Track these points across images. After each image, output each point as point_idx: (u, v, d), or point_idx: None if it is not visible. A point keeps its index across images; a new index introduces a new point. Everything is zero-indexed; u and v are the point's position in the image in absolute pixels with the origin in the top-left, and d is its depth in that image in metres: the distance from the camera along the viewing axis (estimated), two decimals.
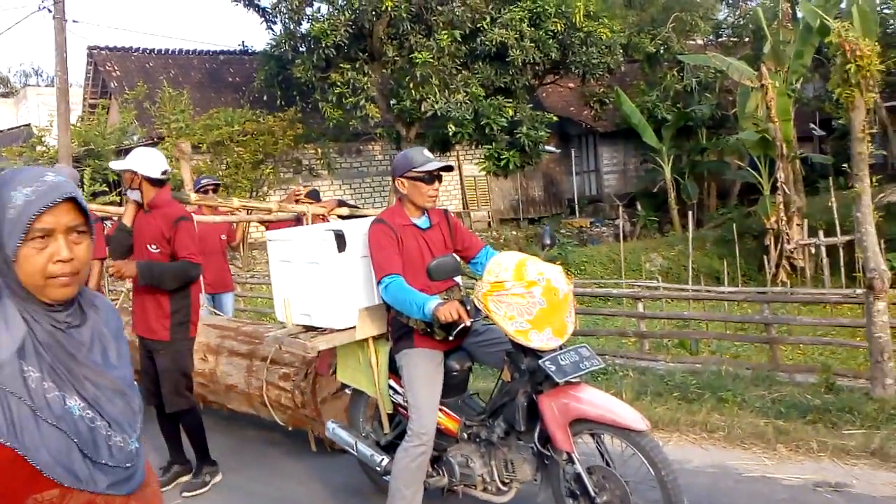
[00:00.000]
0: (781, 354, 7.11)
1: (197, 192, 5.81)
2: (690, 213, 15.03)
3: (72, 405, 1.29)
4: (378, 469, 3.49)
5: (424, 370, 3.18)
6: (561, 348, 2.91)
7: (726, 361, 6.87)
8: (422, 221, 3.29)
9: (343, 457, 4.07)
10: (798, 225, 13.17)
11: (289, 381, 4.32)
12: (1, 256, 1.29)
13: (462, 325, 2.92)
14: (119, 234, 4.18)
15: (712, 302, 10.10)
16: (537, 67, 15.00)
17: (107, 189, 13.68)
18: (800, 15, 14.99)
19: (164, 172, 4.03)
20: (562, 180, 21.39)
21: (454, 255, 3.23)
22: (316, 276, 3.44)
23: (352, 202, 7.25)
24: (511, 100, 14.31)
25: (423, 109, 13.88)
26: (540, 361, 2.84)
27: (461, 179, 19.73)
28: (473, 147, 16.75)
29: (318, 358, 3.94)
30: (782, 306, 8.17)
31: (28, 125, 19.26)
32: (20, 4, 55.30)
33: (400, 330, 3.23)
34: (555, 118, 15.48)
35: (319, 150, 16.71)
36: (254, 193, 14.93)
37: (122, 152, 13.67)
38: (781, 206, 13.11)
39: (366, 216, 4.58)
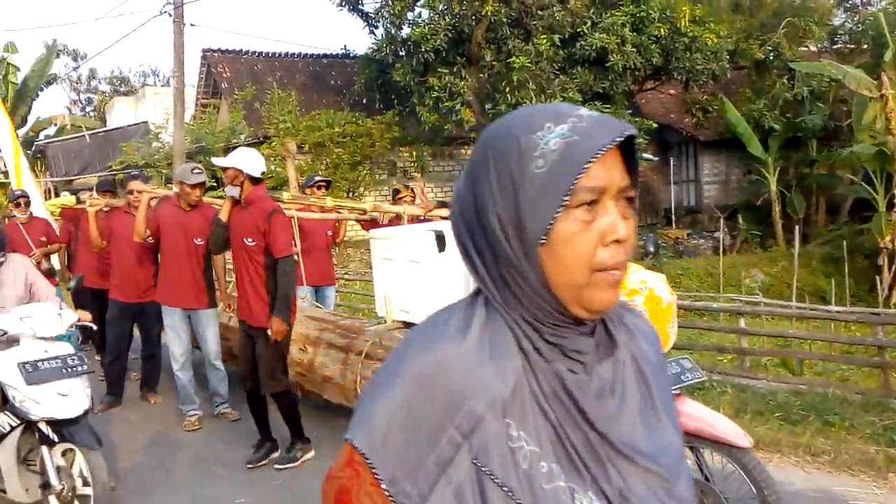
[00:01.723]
0: (895, 381, 6.67)
1: (310, 187, 6.20)
2: (796, 227, 14.35)
3: None
4: None
5: None
6: None
7: (833, 384, 6.52)
8: None
9: None
10: None
11: None
12: (513, 238, 0.79)
13: None
14: (217, 228, 4.46)
15: (817, 322, 9.59)
16: (638, 73, 14.68)
17: (215, 184, 14.41)
18: None
19: (262, 172, 4.30)
20: (659, 189, 20.82)
21: None
22: (416, 274, 3.53)
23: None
24: (609, 105, 14.06)
25: None
26: None
27: None
28: None
29: None
30: None
31: (145, 122, 20.57)
32: (141, 9, 59.17)
33: None
34: (654, 125, 15.11)
35: (414, 153, 16.99)
36: (351, 193, 15.37)
37: (230, 150, 14.30)
38: None
39: None
